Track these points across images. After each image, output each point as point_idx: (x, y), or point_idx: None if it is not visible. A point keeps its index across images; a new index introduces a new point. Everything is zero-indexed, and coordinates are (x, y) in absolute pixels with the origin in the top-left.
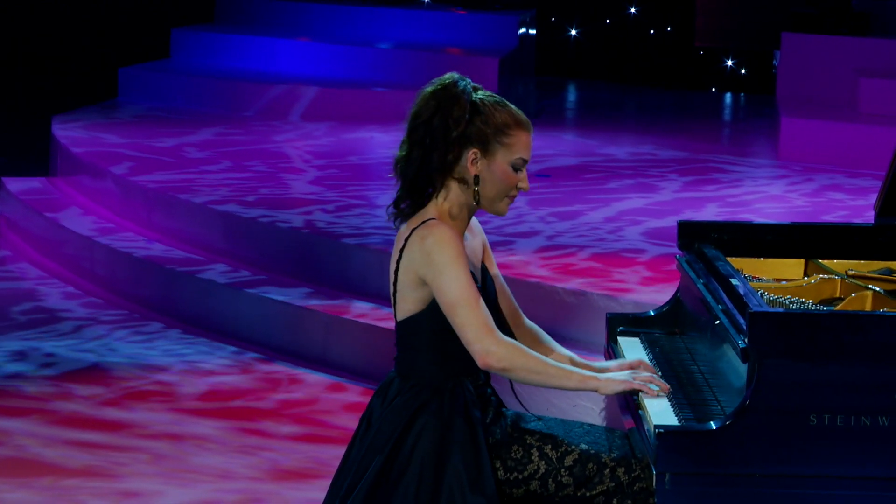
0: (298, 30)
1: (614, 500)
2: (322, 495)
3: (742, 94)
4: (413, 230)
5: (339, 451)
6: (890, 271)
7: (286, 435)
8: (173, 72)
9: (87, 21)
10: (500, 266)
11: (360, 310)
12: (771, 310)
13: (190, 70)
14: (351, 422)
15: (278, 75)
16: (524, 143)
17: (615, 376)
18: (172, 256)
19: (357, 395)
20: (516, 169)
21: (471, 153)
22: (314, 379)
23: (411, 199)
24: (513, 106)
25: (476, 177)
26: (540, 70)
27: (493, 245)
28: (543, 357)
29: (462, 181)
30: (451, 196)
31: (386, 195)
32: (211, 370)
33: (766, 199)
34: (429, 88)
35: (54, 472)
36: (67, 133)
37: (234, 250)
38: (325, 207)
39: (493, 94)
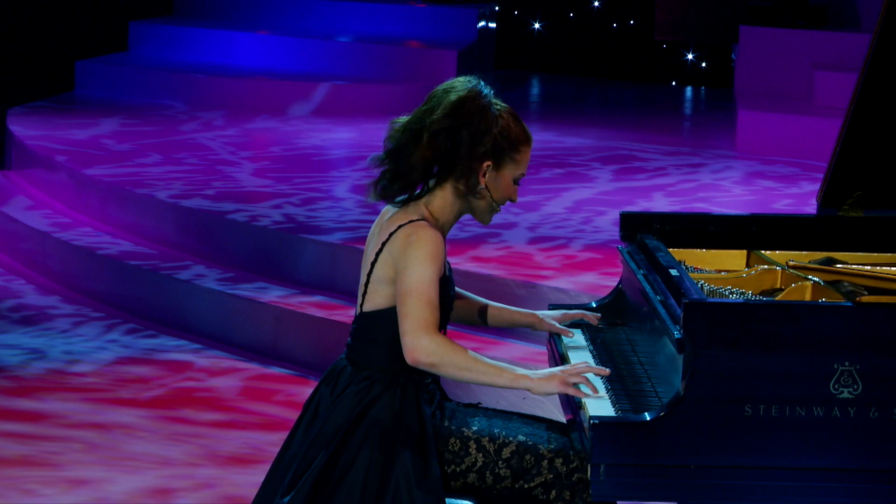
0: (257, 23)
1: (553, 492)
2: None
3: (703, 87)
4: (400, 227)
5: (269, 437)
6: (831, 261)
7: (209, 422)
8: (131, 65)
9: (44, 13)
10: (502, 259)
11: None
12: (706, 300)
13: (148, 63)
14: (278, 410)
15: (237, 69)
16: (528, 159)
17: (546, 373)
18: (135, 252)
19: (279, 382)
20: (515, 182)
21: (485, 165)
22: (235, 366)
23: (401, 189)
24: (520, 119)
25: (484, 187)
26: (503, 64)
27: (479, 237)
28: (476, 354)
29: (462, 188)
30: (444, 199)
31: (338, 187)
32: (121, 358)
33: (717, 189)
34: (452, 97)
35: None
36: (21, 126)
37: (203, 246)
38: (291, 201)
39: (504, 103)
